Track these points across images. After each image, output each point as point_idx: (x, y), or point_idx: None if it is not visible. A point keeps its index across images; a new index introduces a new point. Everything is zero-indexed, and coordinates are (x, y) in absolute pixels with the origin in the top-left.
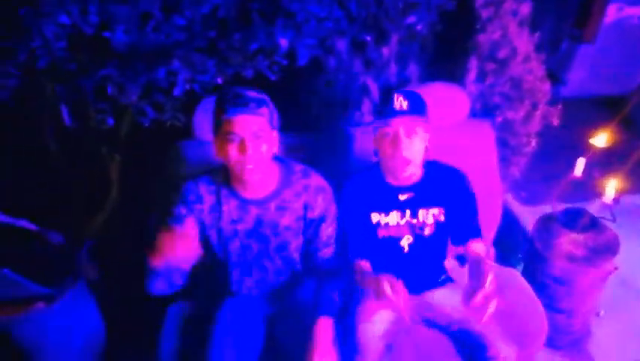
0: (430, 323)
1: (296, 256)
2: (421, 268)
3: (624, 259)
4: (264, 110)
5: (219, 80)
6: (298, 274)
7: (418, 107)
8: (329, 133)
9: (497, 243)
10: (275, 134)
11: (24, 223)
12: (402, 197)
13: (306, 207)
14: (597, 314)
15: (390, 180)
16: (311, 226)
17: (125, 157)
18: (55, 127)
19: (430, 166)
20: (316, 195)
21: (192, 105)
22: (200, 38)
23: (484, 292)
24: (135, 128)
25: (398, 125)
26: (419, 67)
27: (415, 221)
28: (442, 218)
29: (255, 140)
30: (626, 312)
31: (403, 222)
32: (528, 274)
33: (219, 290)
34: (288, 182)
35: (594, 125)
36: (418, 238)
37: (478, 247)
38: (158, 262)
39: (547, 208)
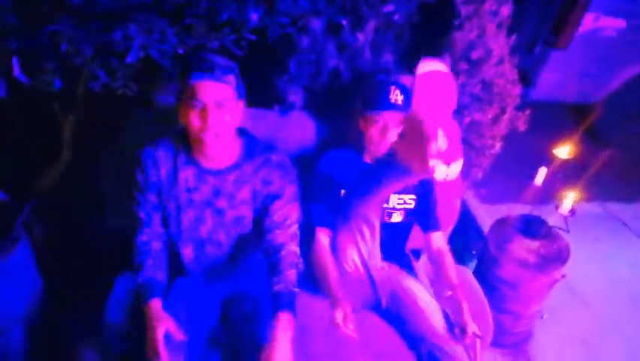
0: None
1: (249, 232)
2: (385, 248)
3: (573, 265)
4: (230, 77)
5: (181, 51)
6: (253, 255)
7: (408, 103)
8: (295, 114)
9: (452, 238)
10: (241, 104)
11: None
12: None
13: (263, 182)
14: (541, 317)
15: (368, 160)
16: (264, 201)
17: (79, 118)
18: (7, 79)
19: None
20: (275, 169)
21: (148, 74)
22: (166, 2)
23: (472, 329)
24: (90, 91)
25: (390, 117)
26: (394, 57)
27: (385, 205)
28: (412, 205)
29: (217, 108)
30: (568, 317)
31: None
32: (479, 274)
33: (171, 266)
34: (250, 155)
35: (559, 130)
36: (385, 225)
37: (438, 237)
38: None
39: (503, 208)
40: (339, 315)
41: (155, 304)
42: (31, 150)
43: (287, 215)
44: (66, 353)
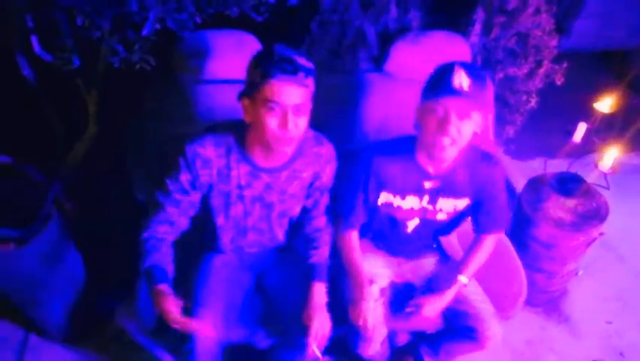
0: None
1: (291, 220)
2: (421, 242)
3: (610, 221)
4: (310, 80)
5: (198, 19)
6: (287, 236)
7: (479, 89)
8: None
9: None
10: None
11: None
12: (428, 184)
13: (315, 176)
14: (575, 274)
15: (422, 162)
16: (314, 194)
17: (103, 92)
18: (28, 56)
19: (470, 152)
20: (326, 164)
21: (166, 47)
22: None
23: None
24: (110, 66)
25: (452, 106)
26: (421, 12)
27: (430, 208)
28: (462, 208)
29: (296, 113)
30: (604, 273)
31: (417, 207)
32: (512, 233)
33: (206, 246)
34: (301, 150)
35: (596, 81)
36: (427, 221)
37: (490, 241)
38: None
39: (535, 164)
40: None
41: (162, 288)
42: (58, 127)
43: (326, 203)
44: (104, 324)
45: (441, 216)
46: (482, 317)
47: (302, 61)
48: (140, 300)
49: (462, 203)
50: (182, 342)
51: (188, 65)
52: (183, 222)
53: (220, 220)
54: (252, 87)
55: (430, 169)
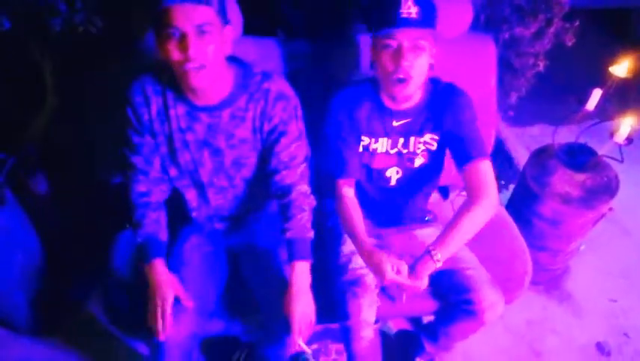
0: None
1: (254, 177)
2: (408, 201)
3: (620, 194)
4: None
5: None
6: (259, 200)
7: (429, 15)
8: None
9: None
10: (228, 30)
11: None
12: (396, 123)
13: (263, 116)
14: (577, 249)
15: (386, 101)
16: (268, 139)
17: (61, 60)
18: None
19: (432, 86)
20: (276, 101)
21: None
22: None
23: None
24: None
25: (403, 37)
26: None
27: (405, 151)
28: (434, 146)
29: (199, 36)
30: (607, 249)
31: (392, 151)
32: (513, 209)
33: (176, 217)
34: (245, 86)
35: (609, 43)
36: (407, 170)
37: (485, 166)
38: None
39: (534, 131)
40: (388, 269)
41: (159, 266)
42: (14, 100)
43: (294, 153)
44: (74, 313)
45: (419, 161)
46: (476, 287)
47: None
48: (109, 288)
49: (431, 139)
50: (151, 333)
51: (141, 22)
52: (155, 171)
53: (173, 172)
54: (153, 19)
55: (396, 107)
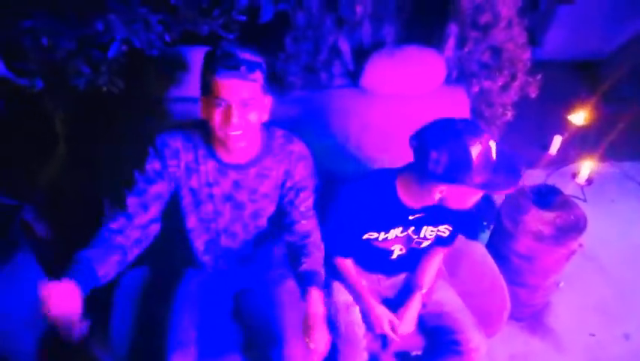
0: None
1: (268, 225)
2: (405, 267)
3: (588, 231)
4: (258, 74)
5: (167, 38)
6: (266, 246)
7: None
8: (295, 96)
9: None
10: (267, 100)
11: None
12: (411, 217)
13: (286, 174)
14: (557, 285)
15: (403, 197)
16: (288, 194)
17: (72, 112)
18: None
19: None
20: (298, 162)
21: (136, 66)
22: None
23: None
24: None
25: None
26: (395, 27)
27: (415, 236)
28: (445, 233)
29: (242, 108)
30: (585, 284)
31: (402, 235)
32: (492, 247)
33: (181, 258)
34: (270, 148)
35: (570, 91)
36: (412, 250)
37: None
38: None
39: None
40: (386, 326)
41: (66, 283)
42: (27, 147)
43: (309, 205)
44: (76, 353)
45: (425, 244)
46: (463, 329)
47: (245, 55)
48: (114, 329)
49: (444, 229)
50: None
51: (161, 83)
52: (143, 219)
53: (191, 222)
54: (203, 85)
55: (414, 204)
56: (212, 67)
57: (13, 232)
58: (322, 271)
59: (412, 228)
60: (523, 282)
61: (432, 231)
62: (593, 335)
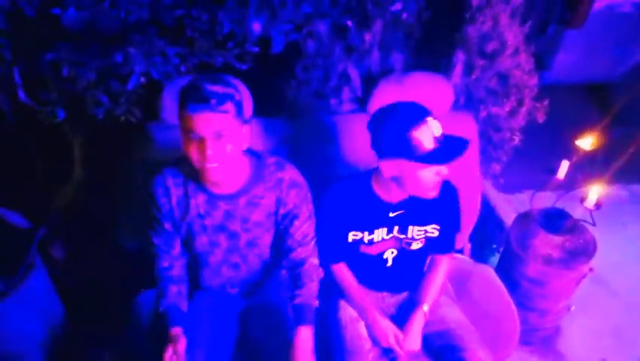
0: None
1: (268, 251)
2: (403, 275)
3: (599, 254)
4: (229, 105)
5: (183, 68)
6: (271, 269)
7: None
8: (306, 121)
9: (474, 231)
10: (245, 128)
11: None
12: (392, 214)
13: (278, 202)
14: (568, 309)
15: (381, 195)
16: (283, 222)
17: (90, 135)
18: (13, 101)
19: None
20: (289, 189)
21: (151, 98)
22: (165, 16)
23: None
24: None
25: None
26: (403, 55)
27: (402, 236)
28: (435, 233)
29: (216, 140)
30: (596, 309)
31: (388, 237)
32: (502, 271)
33: (190, 284)
34: (260, 176)
35: (579, 114)
36: (403, 251)
37: (445, 264)
38: None
39: (524, 197)
40: (392, 338)
41: (176, 332)
42: (44, 171)
43: (306, 232)
44: None
45: (416, 246)
46: (468, 346)
47: (214, 88)
48: (128, 351)
49: (432, 229)
50: None
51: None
52: (175, 250)
53: (189, 252)
54: (179, 119)
55: (390, 199)
56: (184, 101)
57: (31, 254)
58: (315, 303)
59: (397, 227)
60: (533, 306)
61: (419, 231)
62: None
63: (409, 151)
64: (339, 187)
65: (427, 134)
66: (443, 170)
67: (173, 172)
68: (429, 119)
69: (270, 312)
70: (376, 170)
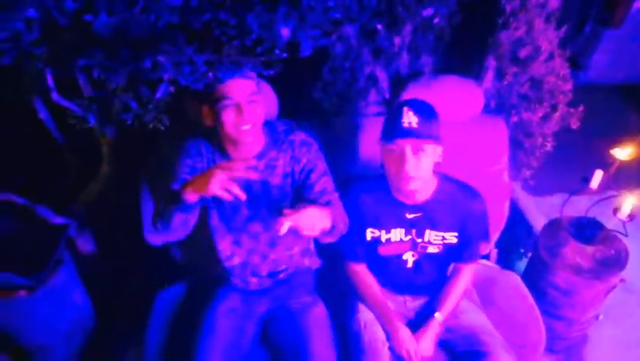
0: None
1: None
2: (424, 279)
3: (631, 266)
4: (253, 73)
5: (211, 75)
6: (294, 259)
7: (428, 124)
8: (332, 122)
9: (500, 236)
10: (262, 98)
11: (11, 197)
12: (409, 215)
13: (292, 161)
14: (596, 318)
15: (398, 196)
16: (300, 178)
17: (118, 133)
18: (45, 100)
19: (445, 183)
20: (300, 147)
21: (180, 95)
22: (193, 20)
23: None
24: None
25: (404, 143)
26: (433, 58)
27: (419, 240)
28: (454, 241)
29: (249, 103)
30: (626, 318)
31: (407, 238)
32: (528, 278)
33: (212, 274)
34: (274, 140)
35: (614, 117)
36: (422, 254)
37: (467, 273)
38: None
39: (555, 200)
40: (404, 350)
41: None
42: (73, 167)
43: (325, 185)
44: None
45: (432, 250)
46: (492, 350)
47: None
48: (148, 345)
49: (450, 236)
50: None
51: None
52: None
53: (214, 220)
54: (204, 96)
55: (408, 201)
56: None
57: (59, 251)
58: (337, 220)
59: (414, 230)
60: (560, 315)
61: (436, 236)
62: None
63: (381, 133)
64: (359, 186)
65: (397, 119)
66: (410, 162)
67: (205, 141)
68: (405, 108)
69: (292, 316)
70: None
